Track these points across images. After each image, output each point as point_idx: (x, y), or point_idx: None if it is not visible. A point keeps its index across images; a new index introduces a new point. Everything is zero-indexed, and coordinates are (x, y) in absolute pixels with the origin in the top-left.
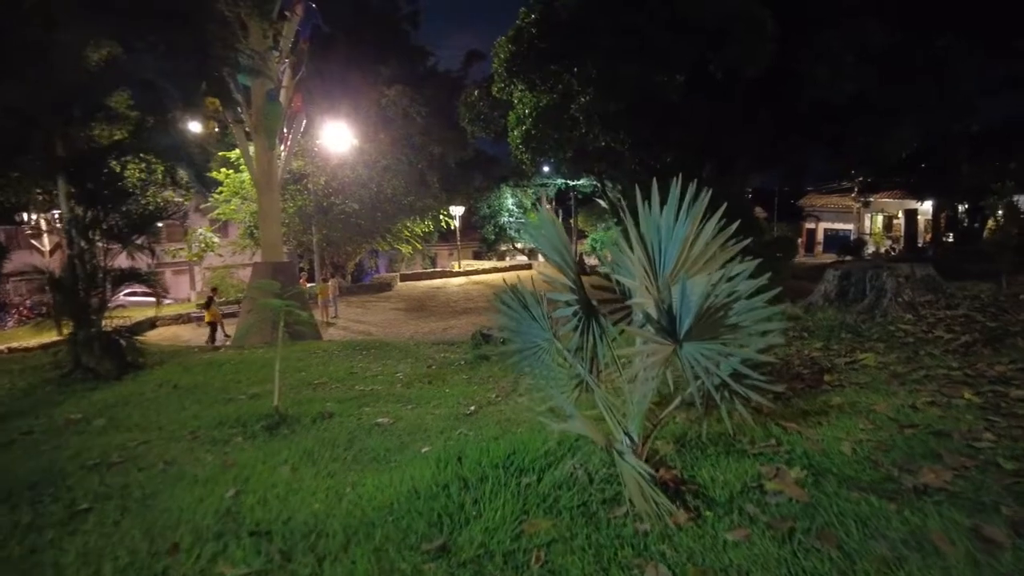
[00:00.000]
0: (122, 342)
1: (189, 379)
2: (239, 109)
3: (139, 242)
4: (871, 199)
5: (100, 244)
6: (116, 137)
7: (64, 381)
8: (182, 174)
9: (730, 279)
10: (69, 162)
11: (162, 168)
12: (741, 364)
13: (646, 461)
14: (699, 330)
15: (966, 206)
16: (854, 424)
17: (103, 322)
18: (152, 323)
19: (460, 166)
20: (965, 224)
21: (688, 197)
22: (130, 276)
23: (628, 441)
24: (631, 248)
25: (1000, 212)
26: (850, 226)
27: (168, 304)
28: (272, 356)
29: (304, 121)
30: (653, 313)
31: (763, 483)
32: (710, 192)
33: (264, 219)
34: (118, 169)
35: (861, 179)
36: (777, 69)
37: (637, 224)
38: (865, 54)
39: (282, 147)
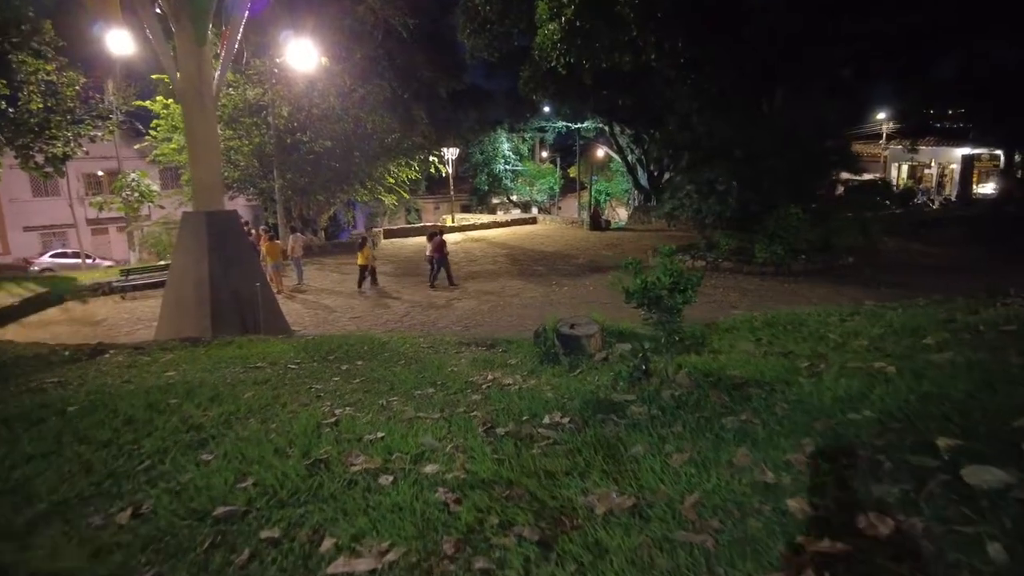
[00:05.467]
0: None
1: None
2: None
3: None
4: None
5: None
6: None
7: None
8: None
9: None
10: None
11: None
12: None
13: None
14: None
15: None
16: None
17: None
18: (61, 299)
19: (453, 99)
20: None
21: None
22: None
23: None
24: None
25: None
26: (874, 176)
27: (108, 267)
28: (200, 374)
29: (248, 7)
30: None
31: None
32: None
33: (195, 148)
34: None
35: (893, 124)
36: None
37: None
38: None
39: (219, 48)
